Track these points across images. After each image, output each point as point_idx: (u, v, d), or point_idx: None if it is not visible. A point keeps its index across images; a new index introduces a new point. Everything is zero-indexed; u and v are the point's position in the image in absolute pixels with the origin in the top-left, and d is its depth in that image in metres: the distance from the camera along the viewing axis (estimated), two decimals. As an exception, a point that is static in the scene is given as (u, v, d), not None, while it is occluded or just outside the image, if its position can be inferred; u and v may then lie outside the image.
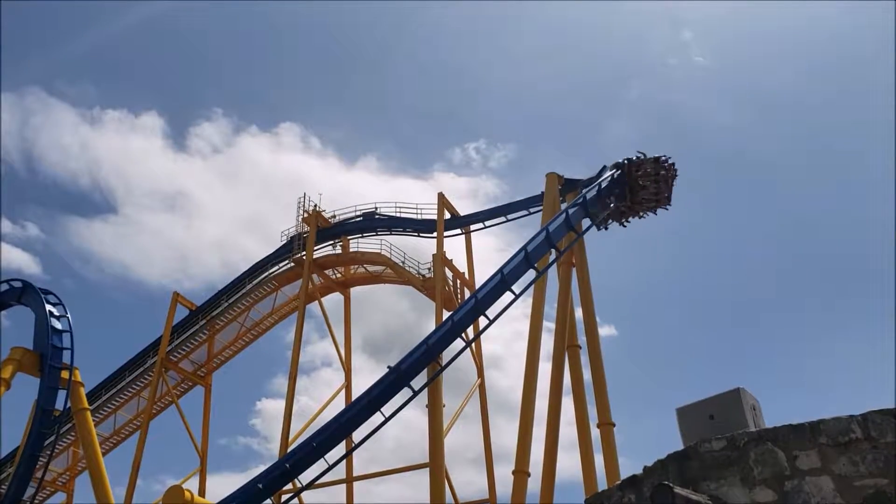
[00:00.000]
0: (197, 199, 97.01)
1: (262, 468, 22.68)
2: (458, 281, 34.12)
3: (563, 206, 26.64)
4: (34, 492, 32.06)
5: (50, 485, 38.37)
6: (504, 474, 42.40)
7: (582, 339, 25.66)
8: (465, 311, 23.94)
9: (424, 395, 23.83)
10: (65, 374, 29.45)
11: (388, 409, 22.43)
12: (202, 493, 34.40)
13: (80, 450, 36.10)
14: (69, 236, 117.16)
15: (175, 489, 22.36)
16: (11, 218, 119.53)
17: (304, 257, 36.42)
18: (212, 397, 39.49)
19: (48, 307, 30.81)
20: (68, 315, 31.30)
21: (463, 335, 24.63)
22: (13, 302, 32.95)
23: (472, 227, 34.93)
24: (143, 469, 35.65)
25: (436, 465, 22.28)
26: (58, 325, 30.55)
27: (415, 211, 36.33)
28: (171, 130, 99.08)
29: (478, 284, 29.78)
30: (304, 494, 25.73)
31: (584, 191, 26.58)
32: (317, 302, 36.92)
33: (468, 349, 27.14)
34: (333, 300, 39.22)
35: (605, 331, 60.38)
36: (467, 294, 32.19)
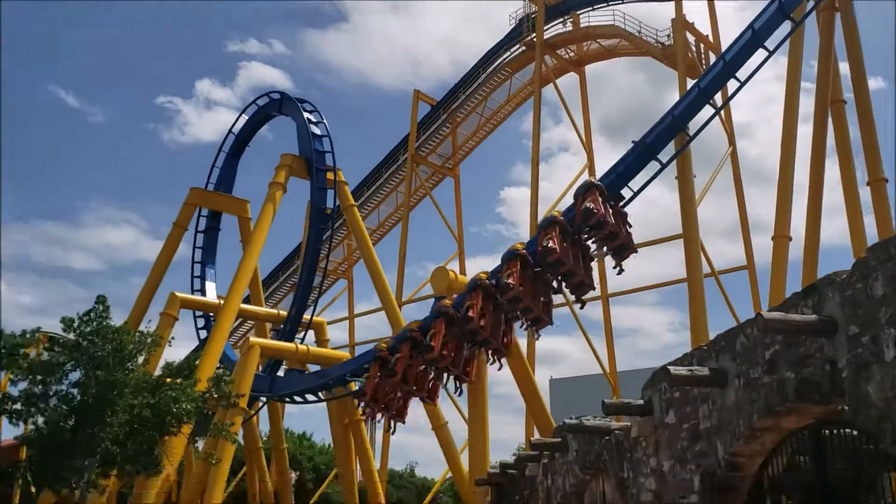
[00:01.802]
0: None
1: (513, 251, 23.68)
2: (702, 45, 31.84)
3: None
4: (321, 280, 36.31)
5: (332, 273, 43.15)
6: (761, 243, 41.22)
7: (847, 95, 23.36)
8: (713, 75, 22.57)
9: (671, 168, 23.33)
10: (330, 176, 32.15)
11: (634, 184, 22.26)
12: (462, 274, 37.05)
13: (353, 242, 40.02)
14: (309, 50, 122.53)
15: (440, 270, 24.26)
16: (258, 37, 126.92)
17: (535, 39, 35.62)
18: (461, 187, 41.57)
19: (306, 115, 33.25)
20: (325, 121, 33.66)
21: (710, 102, 23.33)
22: (274, 113, 35.91)
23: (715, -17, 31.98)
24: (408, 256, 38.89)
25: (690, 235, 22.07)
26: (317, 131, 33.04)
27: (648, -25, 33.77)
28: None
29: (723, 47, 27.65)
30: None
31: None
32: (551, 86, 36.41)
33: (717, 117, 25.78)
34: (567, 83, 38.53)
35: (873, 84, 54.30)
36: (713, 58, 30.11)
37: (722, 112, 27.58)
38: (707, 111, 23.06)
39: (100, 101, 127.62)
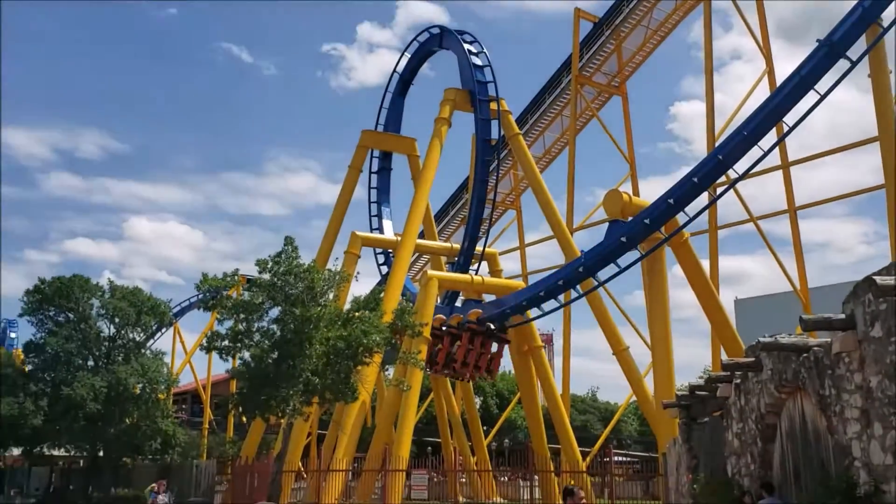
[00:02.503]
0: None
1: (686, 170, 22.85)
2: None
3: None
4: (490, 211, 36.63)
5: (501, 204, 43.38)
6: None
7: None
8: (909, -43, 20.26)
9: (862, 67, 21.38)
10: (493, 106, 32.08)
11: (820, 86, 20.62)
12: (636, 195, 36.09)
13: (520, 171, 39.91)
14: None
15: (613, 193, 23.82)
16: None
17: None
18: (629, 105, 40.18)
19: (466, 46, 33.20)
20: (485, 51, 33.46)
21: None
22: (435, 48, 36.12)
23: None
24: (576, 182, 38.34)
25: (887, 137, 20.26)
26: (478, 62, 32.94)
27: None
28: None
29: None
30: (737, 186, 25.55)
31: None
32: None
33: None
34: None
35: None
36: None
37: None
38: (903, -2, 20.83)
39: (271, 55, 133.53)
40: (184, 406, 60.55)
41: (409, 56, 36.85)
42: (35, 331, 30.04)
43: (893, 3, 20.45)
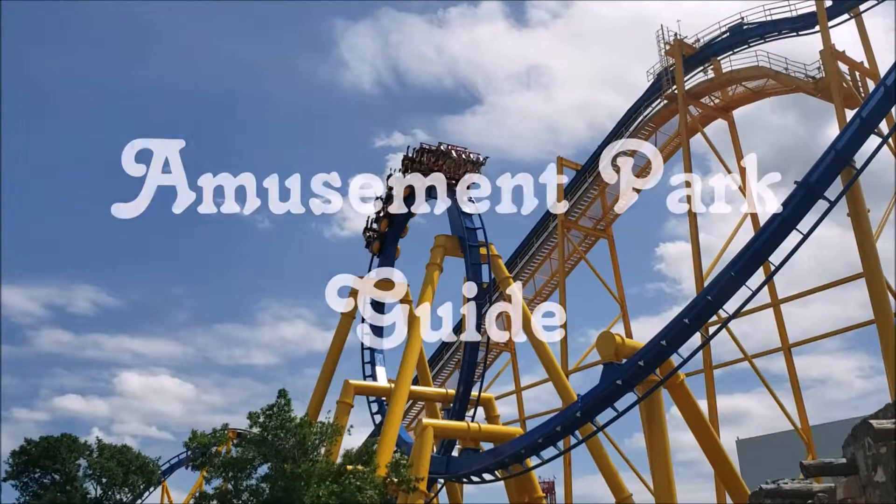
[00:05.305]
0: (550, 69, 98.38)
1: (677, 309, 22.92)
2: (857, 73, 30.23)
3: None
4: (485, 353, 36.41)
5: (495, 346, 43.10)
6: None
7: None
8: (874, 103, 21.26)
9: (842, 205, 21.97)
10: (483, 251, 32.54)
11: (802, 226, 21.09)
12: (628, 336, 36.02)
13: (512, 313, 39.92)
14: (449, 135, 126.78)
15: (606, 335, 23.72)
16: (402, 130, 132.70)
17: (676, 91, 35.08)
18: (616, 247, 40.86)
19: (455, 195, 34.02)
20: (473, 199, 34.31)
21: (876, 131, 21.96)
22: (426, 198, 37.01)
23: (863, 6, 30.44)
24: (568, 323, 38.41)
25: (872, 274, 20.51)
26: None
27: (788, 8, 32.74)
28: (510, 10, 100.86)
29: (882, 72, 26.16)
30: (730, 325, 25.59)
31: None
32: (698, 135, 35.54)
33: (885, 146, 24.17)
34: (714, 130, 37.52)
35: None
36: (871, 86, 28.48)
37: (890, 140, 25.86)
38: (873, 141, 21.71)
39: (266, 208, 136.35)
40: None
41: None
42: (19, 495, 28.89)
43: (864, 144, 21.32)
